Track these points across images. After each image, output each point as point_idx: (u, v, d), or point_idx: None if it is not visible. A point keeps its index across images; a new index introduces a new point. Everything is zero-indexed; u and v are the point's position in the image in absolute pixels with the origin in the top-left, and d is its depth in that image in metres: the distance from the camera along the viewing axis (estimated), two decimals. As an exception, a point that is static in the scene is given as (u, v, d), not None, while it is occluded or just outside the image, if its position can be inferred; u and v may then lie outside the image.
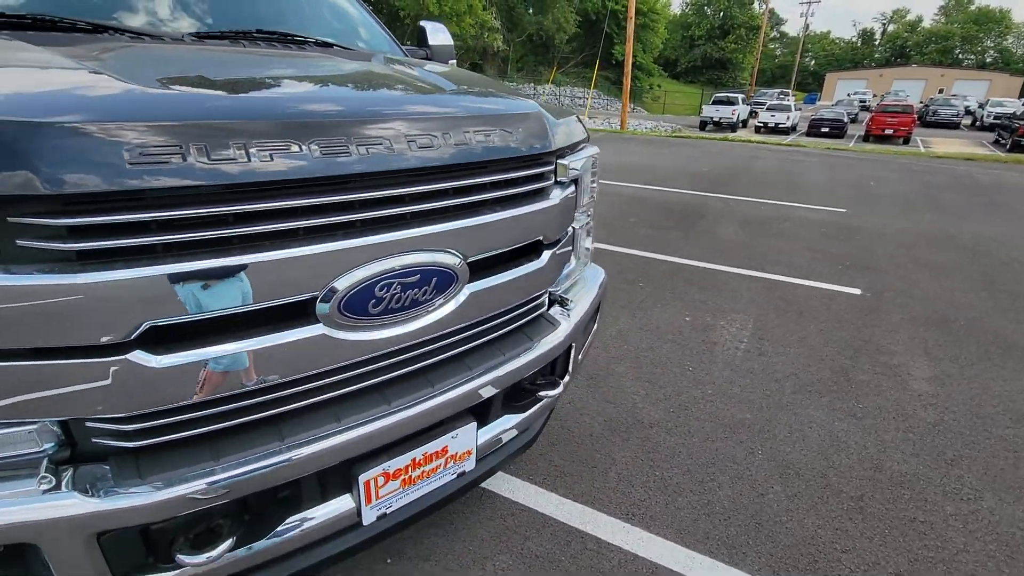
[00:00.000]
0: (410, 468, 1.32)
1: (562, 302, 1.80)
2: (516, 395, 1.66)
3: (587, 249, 2.01)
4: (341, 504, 1.24)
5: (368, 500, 1.26)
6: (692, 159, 13.01)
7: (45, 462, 0.97)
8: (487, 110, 1.45)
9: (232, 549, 1.10)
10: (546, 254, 1.55)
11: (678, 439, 2.58)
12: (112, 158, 0.87)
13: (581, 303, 1.84)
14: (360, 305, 1.13)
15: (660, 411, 2.79)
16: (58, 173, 0.83)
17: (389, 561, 1.85)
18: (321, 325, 1.10)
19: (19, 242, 0.85)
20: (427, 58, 2.98)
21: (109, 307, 0.89)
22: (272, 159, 0.99)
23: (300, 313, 1.09)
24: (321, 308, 1.09)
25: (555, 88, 36.22)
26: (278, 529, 1.18)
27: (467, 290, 1.33)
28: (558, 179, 1.61)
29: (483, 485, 2.19)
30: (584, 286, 1.96)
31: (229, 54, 1.60)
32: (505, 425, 1.59)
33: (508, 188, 1.39)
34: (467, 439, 1.42)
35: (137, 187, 0.88)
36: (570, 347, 1.75)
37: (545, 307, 1.70)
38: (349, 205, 1.10)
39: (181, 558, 1.05)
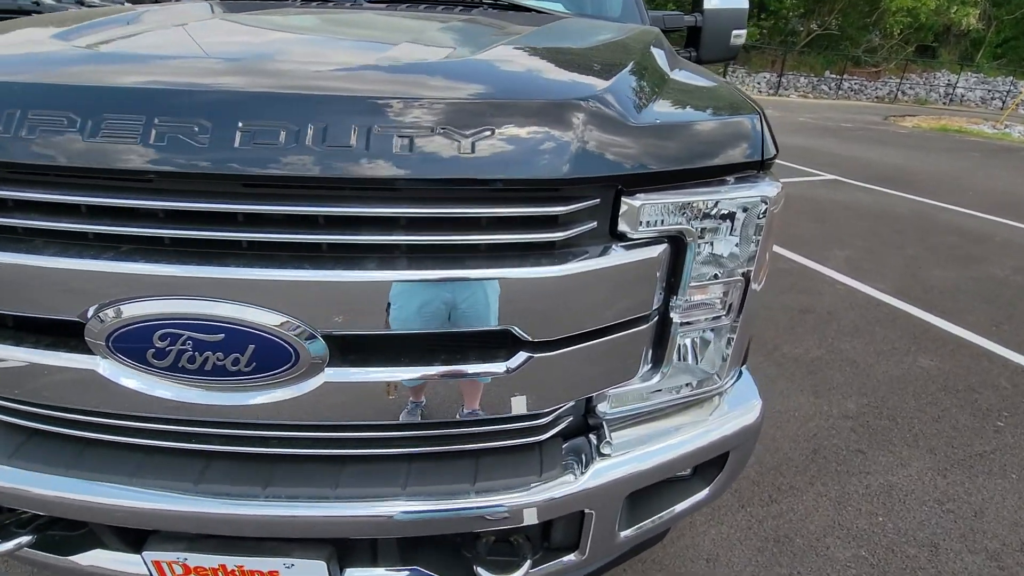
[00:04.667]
0: (219, 574, 0.97)
1: (597, 433, 1.05)
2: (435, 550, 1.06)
3: (724, 359, 1.12)
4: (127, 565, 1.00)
5: (164, 583, 0.98)
6: None
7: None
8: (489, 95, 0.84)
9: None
10: (520, 356, 0.87)
11: None
12: None
13: (646, 446, 1.04)
14: (134, 351, 0.81)
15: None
16: None
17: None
18: (97, 358, 0.84)
19: None
20: (695, 26, 2.24)
21: None
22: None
23: (70, 335, 0.84)
24: (89, 336, 0.81)
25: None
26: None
27: (324, 377, 0.84)
28: (619, 229, 0.87)
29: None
30: (690, 418, 1.12)
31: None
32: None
33: (434, 231, 0.79)
34: (313, 574, 0.96)
35: None
36: (582, 514, 1.02)
37: (542, 433, 1.00)
38: (111, 212, 0.77)
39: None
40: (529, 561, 1.01)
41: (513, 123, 0.78)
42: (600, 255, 0.86)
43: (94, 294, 0.78)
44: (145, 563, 0.95)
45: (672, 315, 0.99)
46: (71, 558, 1.03)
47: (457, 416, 0.91)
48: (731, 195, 0.94)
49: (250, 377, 0.82)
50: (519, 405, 0.92)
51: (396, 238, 0.77)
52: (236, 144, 0.73)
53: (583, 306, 0.87)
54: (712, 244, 0.98)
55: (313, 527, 0.91)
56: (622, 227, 0.87)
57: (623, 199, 0.86)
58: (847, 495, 2.11)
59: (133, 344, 0.80)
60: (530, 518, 0.96)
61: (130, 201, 0.76)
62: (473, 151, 0.75)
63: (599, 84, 0.89)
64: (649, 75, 1.09)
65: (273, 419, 0.87)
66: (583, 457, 1.02)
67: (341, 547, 0.98)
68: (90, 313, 0.79)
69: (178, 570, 0.96)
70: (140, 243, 0.79)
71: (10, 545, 1.00)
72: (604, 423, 1.05)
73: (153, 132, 0.74)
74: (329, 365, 0.83)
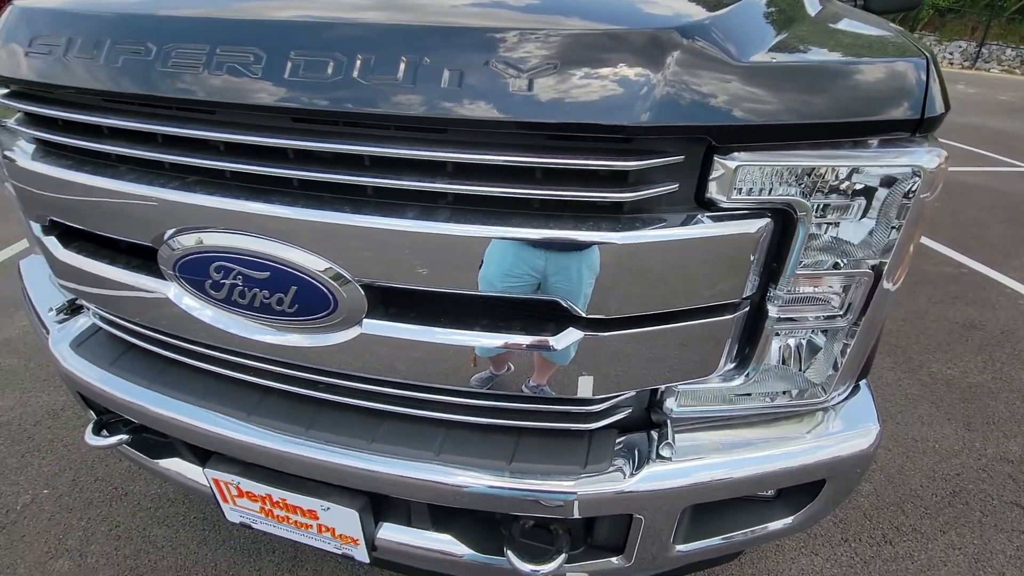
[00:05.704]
0: (267, 502, 1.01)
1: (659, 432, 0.91)
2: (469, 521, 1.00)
3: (835, 369, 0.92)
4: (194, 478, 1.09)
5: (223, 498, 1.05)
6: None
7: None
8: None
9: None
10: (570, 334, 0.76)
11: None
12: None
13: (716, 456, 0.89)
14: (196, 279, 0.84)
15: None
16: None
17: None
18: (169, 282, 0.88)
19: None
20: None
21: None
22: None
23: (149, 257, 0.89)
24: (161, 262, 0.86)
25: None
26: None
27: (360, 328, 0.80)
28: (707, 196, 0.72)
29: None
30: (779, 432, 0.94)
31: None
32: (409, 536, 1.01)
33: (481, 180, 0.70)
34: (347, 522, 0.97)
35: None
36: (631, 519, 0.90)
37: (592, 421, 0.89)
38: (172, 142, 0.78)
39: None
40: (565, 555, 0.92)
41: (581, 56, 0.65)
42: (679, 225, 0.72)
43: (164, 222, 0.81)
44: (207, 479, 1.02)
45: (768, 307, 0.82)
46: (156, 461, 1.15)
47: (498, 388, 0.84)
48: (870, 162, 0.73)
49: (291, 319, 0.81)
50: (567, 387, 0.82)
51: (439, 186, 0.70)
52: (285, 75, 0.70)
53: (652, 284, 0.74)
54: (834, 225, 0.78)
55: (345, 475, 0.90)
56: (712, 193, 0.71)
57: (716, 158, 0.69)
58: (989, 554, 1.72)
59: (194, 274, 0.83)
60: (568, 510, 0.86)
61: (194, 132, 0.76)
62: (530, 89, 0.64)
63: (699, 13, 0.72)
64: (778, 10, 0.88)
65: (311, 363, 0.86)
66: (637, 455, 0.89)
67: (377, 501, 0.97)
68: (162, 240, 0.83)
69: (232, 491, 1.02)
70: (204, 175, 0.80)
71: (113, 440, 1.13)
72: (668, 422, 0.91)
73: (213, 62, 0.73)
74: (367, 317, 0.79)
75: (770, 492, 1.03)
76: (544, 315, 0.79)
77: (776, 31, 0.80)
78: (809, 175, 0.72)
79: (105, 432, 1.14)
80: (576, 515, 0.87)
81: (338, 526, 0.98)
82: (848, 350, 0.89)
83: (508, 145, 0.68)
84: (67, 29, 0.82)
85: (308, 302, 0.79)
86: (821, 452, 0.94)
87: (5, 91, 0.96)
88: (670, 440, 0.89)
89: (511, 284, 0.73)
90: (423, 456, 0.88)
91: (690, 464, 0.88)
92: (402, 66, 0.67)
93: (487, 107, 0.65)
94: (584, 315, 0.75)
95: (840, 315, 0.85)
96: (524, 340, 0.77)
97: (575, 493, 0.85)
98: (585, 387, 0.82)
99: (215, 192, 0.78)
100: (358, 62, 0.68)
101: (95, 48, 0.79)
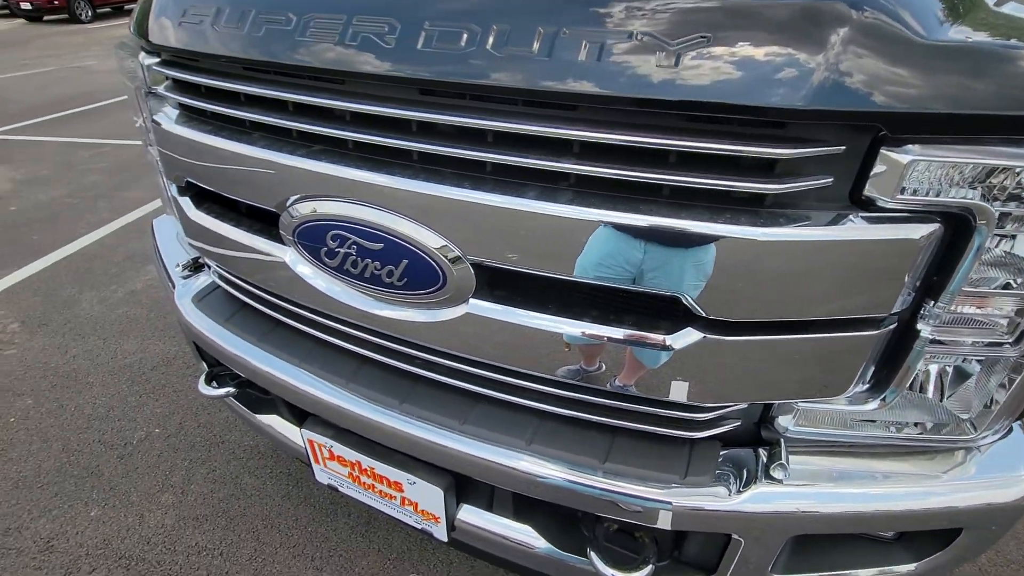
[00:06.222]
0: (355, 468, 1.03)
1: (770, 451, 0.83)
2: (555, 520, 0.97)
3: (988, 404, 0.80)
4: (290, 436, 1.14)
5: (315, 459, 1.09)
6: None
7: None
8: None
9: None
10: (688, 334, 0.71)
11: None
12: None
13: (834, 485, 0.81)
14: (313, 246, 0.86)
15: None
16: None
17: None
18: (286, 247, 0.92)
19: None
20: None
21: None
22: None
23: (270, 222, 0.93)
24: (282, 227, 0.89)
25: None
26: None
27: (466, 308, 0.79)
28: (865, 193, 0.64)
29: None
30: (910, 468, 0.84)
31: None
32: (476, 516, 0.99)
33: (610, 162, 0.65)
34: (430, 498, 0.97)
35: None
36: (728, 539, 0.84)
37: (696, 430, 0.83)
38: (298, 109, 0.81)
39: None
40: (652, 566, 0.87)
41: (737, 29, 0.59)
42: (828, 224, 0.64)
43: (289, 188, 0.84)
44: (303, 438, 1.07)
45: (920, 326, 0.72)
46: (257, 416, 1.21)
47: (597, 383, 0.80)
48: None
49: (400, 292, 0.82)
50: (675, 391, 0.76)
51: (563, 165, 0.66)
52: (418, 45, 0.69)
53: (788, 288, 0.67)
54: (1011, 238, 0.67)
55: (434, 452, 0.90)
56: (871, 191, 0.63)
57: (883, 150, 0.61)
58: None
59: (312, 241, 0.85)
60: (663, 521, 0.81)
61: (322, 100, 0.78)
62: (677, 64, 0.59)
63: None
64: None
65: (412, 338, 0.87)
66: (744, 473, 0.82)
67: (461, 482, 0.97)
68: (284, 206, 0.86)
69: (325, 453, 1.06)
70: (329, 144, 0.82)
71: (221, 391, 1.21)
72: (782, 441, 0.83)
73: (348, 32, 0.73)
74: (474, 296, 0.78)
75: (890, 533, 0.92)
76: (656, 311, 0.74)
77: (963, 8, 0.69)
78: (997, 175, 0.61)
79: (215, 384, 1.22)
80: (669, 526, 0.82)
81: (421, 501, 0.99)
82: (1011, 384, 0.76)
83: (644, 126, 0.64)
84: (216, 0, 0.87)
85: (417, 277, 0.79)
86: (961, 497, 0.82)
87: (157, 59, 1.03)
88: (783, 461, 0.81)
89: (603, 274, 0.69)
90: (514, 444, 0.86)
91: (803, 490, 0.80)
92: (538, 38, 0.64)
93: (627, 83, 0.61)
94: (706, 315, 0.69)
95: (1008, 343, 0.73)
96: (635, 335, 0.72)
97: (670, 504, 0.80)
98: (693, 393, 0.76)
99: (338, 161, 0.79)
100: (492, 33, 0.66)
101: (240, 18, 0.82)
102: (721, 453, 0.85)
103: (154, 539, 1.61)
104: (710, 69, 0.59)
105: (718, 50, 0.59)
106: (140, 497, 1.73)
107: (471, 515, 0.99)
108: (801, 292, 0.67)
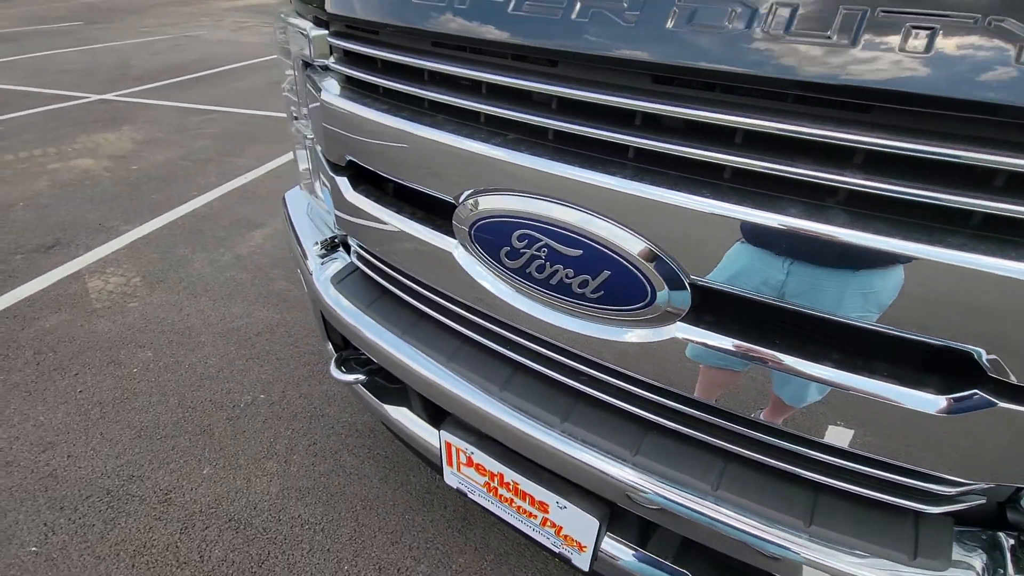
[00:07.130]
0: (496, 480, 0.97)
1: (1018, 538, 0.69)
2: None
3: None
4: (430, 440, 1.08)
5: (449, 461, 1.04)
6: None
7: None
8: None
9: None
10: (970, 398, 0.57)
11: None
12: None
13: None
14: (492, 244, 0.79)
15: None
16: None
17: None
18: (454, 242, 0.85)
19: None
20: None
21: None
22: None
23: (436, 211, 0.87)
24: (456, 223, 0.82)
25: None
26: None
27: (673, 331, 0.69)
28: None
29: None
30: None
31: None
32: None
33: (895, 177, 0.52)
34: (580, 526, 0.89)
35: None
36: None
37: (932, 504, 0.69)
38: (503, 93, 0.72)
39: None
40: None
41: None
42: None
43: (474, 178, 0.77)
44: (439, 439, 1.01)
45: None
46: (385, 406, 1.18)
47: (812, 433, 0.68)
48: None
49: (590, 304, 0.73)
50: (924, 458, 0.63)
51: (838, 178, 0.54)
52: (668, 25, 0.58)
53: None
54: None
55: (597, 481, 0.81)
56: None
57: None
58: None
59: (492, 237, 0.78)
60: (880, 607, 0.69)
61: (525, 83, 0.69)
62: (1020, 59, 0.45)
63: None
64: None
65: (595, 357, 0.78)
66: (982, 560, 0.68)
67: (615, 511, 0.88)
68: (463, 197, 0.79)
69: (463, 458, 1.00)
70: (527, 133, 0.74)
71: (350, 378, 1.18)
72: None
73: (576, 7, 0.64)
74: (684, 320, 0.68)
75: None
76: (923, 363, 0.61)
77: None
78: None
79: (343, 368, 1.20)
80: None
81: (567, 526, 0.91)
82: None
83: (947, 135, 0.50)
84: (410, -34, 0.80)
85: (619, 291, 0.69)
86: None
87: (324, 31, 0.99)
88: (1048, 556, 0.66)
89: (901, 315, 0.56)
90: (696, 487, 0.76)
91: (1071, 596, 0.65)
92: (839, 19, 0.51)
93: (961, 81, 0.48)
94: (998, 377, 0.55)
95: None
96: (898, 393, 0.60)
97: (896, 588, 0.67)
98: (950, 464, 0.63)
99: (541, 154, 0.70)
100: (772, 11, 0.54)
101: (442, -12, 0.75)
102: (954, 530, 0.71)
103: (260, 505, 1.64)
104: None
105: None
106: (247, 461, 1.78)
107: (619, 549, 0.90)
108: None
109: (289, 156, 4.33)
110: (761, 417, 0.70)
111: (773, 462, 0.73)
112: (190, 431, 1.88)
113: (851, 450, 0.67)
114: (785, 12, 0.54)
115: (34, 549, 1.50)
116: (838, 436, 0.66)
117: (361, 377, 1.18)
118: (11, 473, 1.71)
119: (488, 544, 1.56)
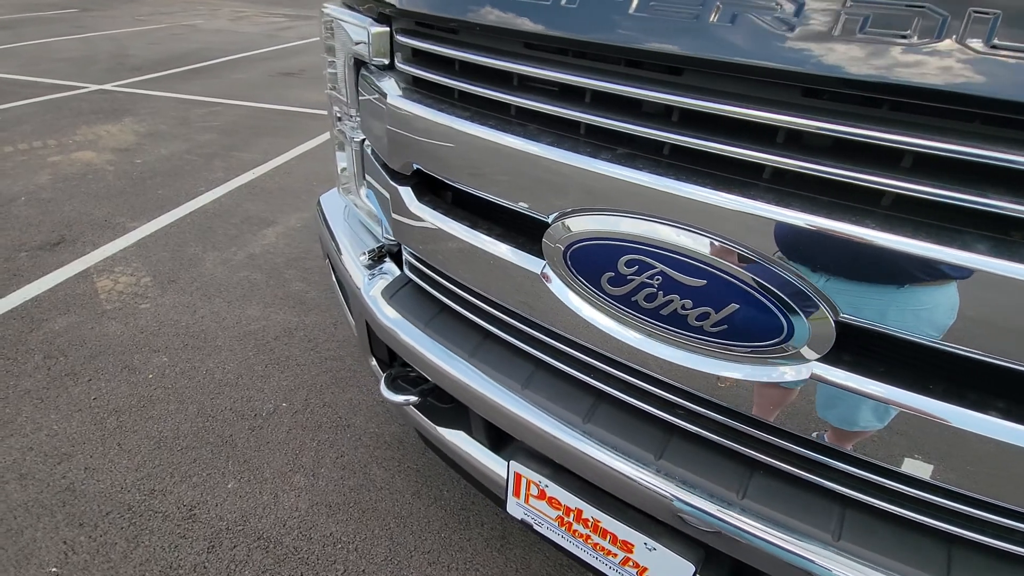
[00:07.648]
0: (572, 515, 0.90)
1: None
2: None
3: None
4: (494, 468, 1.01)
5: (516, 492, 0.97)
6: None
7: None
8: None
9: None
10: None
11: None
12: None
13: None
14: (592, 269, 0.72)
15: None
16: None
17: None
18: (544, 263, 0.78)
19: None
20: None
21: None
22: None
23: (525, 232, 0.79)
24: (547, 243, 0.75)
25: None
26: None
27: (810, 371, 0.62)
28: None
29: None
30: None
31: None
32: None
33: None
34: (671, 569, 0.82)
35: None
36: None
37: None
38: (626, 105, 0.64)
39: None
40: None
41: None
42: None
43: (574, 196, 0.70)
44: (508, 470, 0.95)
45: None
46: (439, 428, 1.11)
47: (953, 484, 0.62)
48: None
49: (711, 339, 0.66)
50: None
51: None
52: (835, 32, 0.51)
53: None
54: None
55: (697, 524, 0.75)
56: None
57: None
58: None
59: (593, 261, 0.71)
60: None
61: (642, 91, 0.62)
62: None
63: None
64: None
65: (707, 394, 0.71)
66: None
67: (710, 554, 0.82)
68: (557, 216, 0.72)
69: (533, 491, 0.94)
70: (641, 148, 0.67)
71: (400, 399, 1.11)
72: None
73: (716, 6, 0.57)
74: (824, 360, 0.61)
75: None
76: None
77: None
78: None
79: (394, 389, 1.13)
80: None
81: (653, 567, 0.85)
82: None
83: None
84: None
85: (746, 326, 0.63)
86: None
87: (386, 28, 0.91)
88: None
89: None
90: (814, 536, 0.69)
91: None
92: (1055, 32, 0.45)
93: None
94: None
95: None
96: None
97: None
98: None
99: (657, 172, 0.63)
100: (968, 20, 0.47)
101: (545, -16, 0.67)
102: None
103: (290, 522, 1.57)
104: None
105: None
106: (273, 474, 1.71)
107: (709, 594, 0.84)
108: None
109: (297, 151, 4.23)
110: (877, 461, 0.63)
111: (910, 514, 0.67)
112: (212, 442, 1.81)
113: (996, 504, 0.61)
114: (985, 21, 0.47)
115: (54, 570, 1.43)
116: (991, 492, 0.60)
117: (413, 399, 1.11)
118: (26, 487, 1.63)
119: (529, 565, 1.50)
